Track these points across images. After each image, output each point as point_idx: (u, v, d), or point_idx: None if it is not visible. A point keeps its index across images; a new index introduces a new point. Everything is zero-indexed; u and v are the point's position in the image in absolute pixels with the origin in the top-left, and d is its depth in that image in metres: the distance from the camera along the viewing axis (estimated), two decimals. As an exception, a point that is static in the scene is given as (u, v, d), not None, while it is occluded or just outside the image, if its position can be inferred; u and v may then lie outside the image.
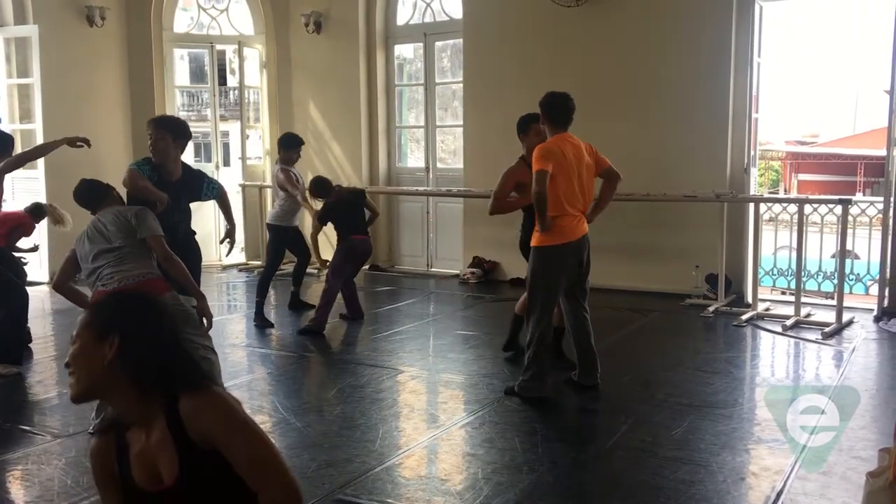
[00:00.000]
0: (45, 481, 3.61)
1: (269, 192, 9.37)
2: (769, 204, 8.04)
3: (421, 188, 9.61)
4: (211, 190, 5.07)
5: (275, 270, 7.01)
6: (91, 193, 4.30)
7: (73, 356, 1.85)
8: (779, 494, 3.40)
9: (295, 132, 9.99)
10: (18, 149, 8.70)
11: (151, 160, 4.70)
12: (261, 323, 6.63)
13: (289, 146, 7.07)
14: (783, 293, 7.80)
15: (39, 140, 8.65)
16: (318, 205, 6.79)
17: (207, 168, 10.26)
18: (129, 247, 3.96)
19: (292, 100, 10.13)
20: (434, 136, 9.72)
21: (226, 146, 16.01)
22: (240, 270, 9.66)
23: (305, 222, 7.82)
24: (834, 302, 6.75)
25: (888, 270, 6.84)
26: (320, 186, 6.70)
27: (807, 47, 54.55)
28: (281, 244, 7.02)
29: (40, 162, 8.62)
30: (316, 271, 8.91)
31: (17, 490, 3.61)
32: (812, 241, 7.32)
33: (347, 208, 6.60)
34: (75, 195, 4.34)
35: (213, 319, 4.12)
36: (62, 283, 4.11)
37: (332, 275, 6.45)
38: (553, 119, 4.70)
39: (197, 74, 16.90)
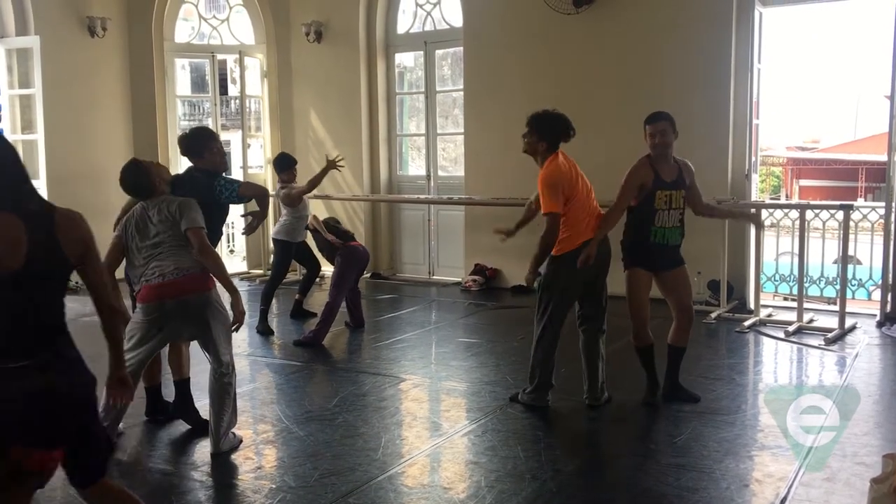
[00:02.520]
0: (47, 491, 3.60)
1: (269, 201, 9.36)
2: (771, 210, 8.04)
3: (422, 196, 9.63)
4: None
5: (279, 283, 7.09)
6: (143, 182, 4.09)
7: None
8: (783, 501, 3.39)
9: (296, 142, 10.06)
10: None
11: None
12: (263, 329, 6.67)
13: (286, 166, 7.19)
14: (785, 299, 7.79)
15: (42, 151, 8.67)
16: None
17: (209, 177, 10.27)
18: (171, 241, 3.92)
19: (293, 109, 10.15)
20: (435, 144, 9.73)
21: (227, 155, 16.01)
22: (241, 279, 9.66)
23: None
24: (836, 308, 6.74)
25: (890, 275, 6.84)
26: (334, 230, 6.90)
27: (807, 53, 54.61)
28: (287, 258, 7.11)
29: (42, 171, 8.66)
30: (319, 280, 8.91)
31: (19, 501, 3.60)
32: (814, 246, 7.32)
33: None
34: (127, 179, 4.12)
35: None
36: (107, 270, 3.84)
37: (336, 287, 6.47)
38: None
39: (198, 84, 16.91)
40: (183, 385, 4.46)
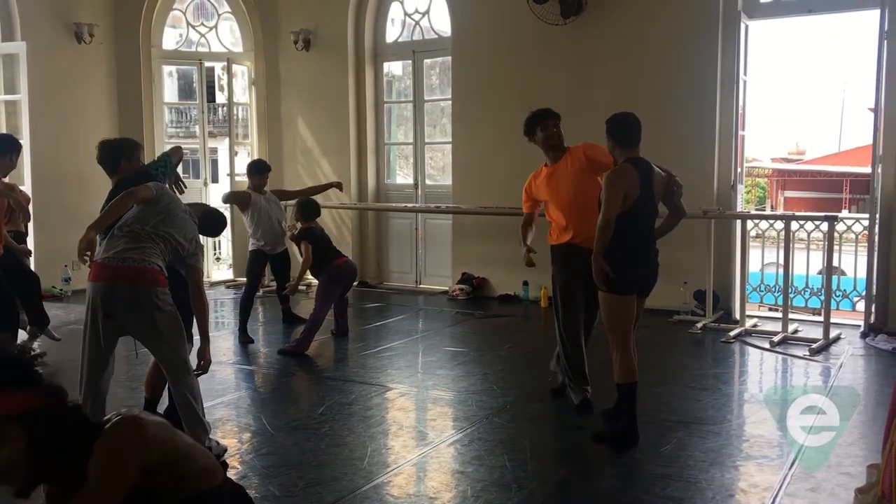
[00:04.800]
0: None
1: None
2: (756, 221, 8.09)
3: (409, 205, 9.63)
4: None
5: (253, 292, 7.05)
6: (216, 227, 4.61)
7: None
8: (768, 511, 3.39)
9: (283, 150, 10.06)
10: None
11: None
12: (243, 339, 6.66)
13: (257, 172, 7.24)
14: (770, 309, 7.83)
15: (27, 157, 8.61)
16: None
17: (196, 184, 10.26)
18: (161, 241, 3.94)
19: (281, 117, 10.14)
20: (423, 152, 9.74)
21: (214, 163, 15.98)
22: (227, 287, 9.63)
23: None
24: (821, 318, 6.78)
25: (874, 287, 6.88)
26: (308, 210, 6.82)
27: (792, 65, 55.13)
28: (253, 266, 7.10)
29: (27, 177, 8.60)
30: (304, 288, 8.89)
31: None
32: (799, 257, 7.36)
33: (322, 235, 6.77)
34: (206, 217, 4.46)
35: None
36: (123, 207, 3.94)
37: (320, 300, 6.49)
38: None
39: (185, 91, 16.87)
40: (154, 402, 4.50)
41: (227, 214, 10.18)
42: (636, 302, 4.23)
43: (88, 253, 3.69)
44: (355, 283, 8.91)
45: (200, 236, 4.31)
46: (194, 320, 4.13)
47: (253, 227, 6.99)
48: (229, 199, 7.48)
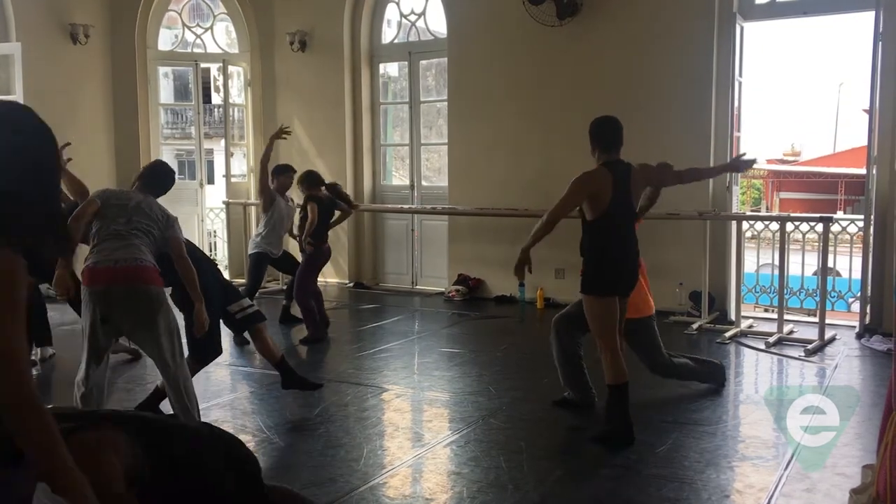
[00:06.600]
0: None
1: (252, 210, 9.38)
2: (751, 222, 8.10)
3: (405, 206, 9.62)
4: None
5: (251, 293, 7.04)
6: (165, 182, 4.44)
7: None
8: (763, 512, 3.40)
9: (279, 152, 10.05)
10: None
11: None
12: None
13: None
14: (766, 310, 7.85)
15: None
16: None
17: (191, 186, 10.25)
18: (141, 233, 4.00)
19: (277, 118, 10.09)
20: (419, 154, 9.74)
21: (210, 164, 15.96)
22: (223, 288, 9.61)
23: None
24: (816, 319, 6.80)
25: (869, 287, 6.90)
26: (309, 178, 6.94)
27: (788, 67, 55.28)
28: (256, 270, 7.14)
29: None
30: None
31: (-5, 512, 3.55)
32: (794, 258, 7.39)
33: (327, 209, 6.92)
34: (152, 175, 4.39)
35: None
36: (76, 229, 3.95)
37: (300, 288, 6.72)
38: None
39: (181, 92, 16.82)
40: (282, 364, 4.83)
41: (223, 215, 10.24)
42: (618, 303, 4.27)
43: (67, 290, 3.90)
44: (350, 284, 9.01)
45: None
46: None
47: (266, 229, 7.02)
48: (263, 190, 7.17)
